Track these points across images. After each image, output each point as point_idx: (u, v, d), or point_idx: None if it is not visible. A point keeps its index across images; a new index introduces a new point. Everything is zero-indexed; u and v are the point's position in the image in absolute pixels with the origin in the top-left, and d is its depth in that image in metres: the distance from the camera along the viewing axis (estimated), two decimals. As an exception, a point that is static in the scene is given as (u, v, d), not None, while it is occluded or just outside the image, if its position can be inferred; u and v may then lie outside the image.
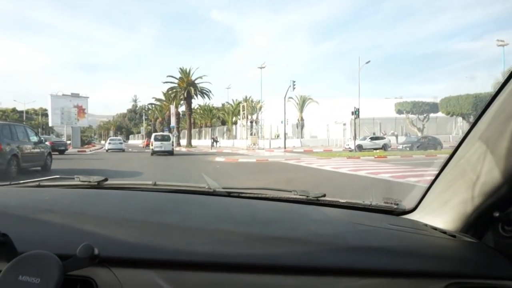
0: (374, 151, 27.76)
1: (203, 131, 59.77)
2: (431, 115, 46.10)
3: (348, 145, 32.54)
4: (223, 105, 62.98)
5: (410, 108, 44.60)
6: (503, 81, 0.79)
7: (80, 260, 0.64)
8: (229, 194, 1.33)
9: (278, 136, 45.97)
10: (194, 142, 54.46)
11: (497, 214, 0.87)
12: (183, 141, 50.46)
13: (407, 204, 1.24)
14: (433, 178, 1.07)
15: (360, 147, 31.78)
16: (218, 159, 21.28)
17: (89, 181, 1.36)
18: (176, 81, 45.87)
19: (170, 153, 25.90)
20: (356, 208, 1.27)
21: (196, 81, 45.55)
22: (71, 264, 0.64)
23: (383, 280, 0.79)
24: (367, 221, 1.08)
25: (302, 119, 47.89)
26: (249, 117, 42.96)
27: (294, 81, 33.34)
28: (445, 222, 1.01)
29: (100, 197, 1.20)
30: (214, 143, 43.85)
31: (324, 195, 1.31)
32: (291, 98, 48.09)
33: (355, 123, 27.61)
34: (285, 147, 35.96)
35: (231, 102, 59.71)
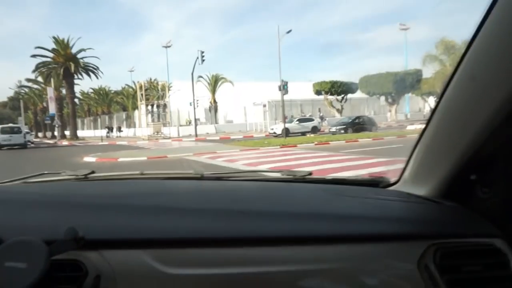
0: (309, 135, 21.91)
1: (99, 119, 48.94)
2: (348, 95, 42.74)
3: (273, 129, 26.49)
4: (123, 88, 52.59)
5: (328, 88, 40.48)
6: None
7: (65, 243, 0.64)
8: (217, 178, 1.33)
9: (190, 123, 38.87)
10: (87, 132, 43.81)
11: (474, 177, 0.90)
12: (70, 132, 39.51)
13: (392, 177, 1.24)
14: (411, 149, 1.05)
15: (287, 132, 25.92)
16: (87, 159, 13.30)
17: (76, 175, 1.30)
18: (51, 55, 34.79)
19: (22, 146, 23.44)
20: (341, 183, 1.27)
21: (82, 58, 35.22)
22: (56, 248, 0.64)
23: (366, 245, 0.81)
24: (352, 193, 1.10)
25: (215, 102, 40.68)
26: (156, 102, 34.90)
27: (202, 52, 25.92)
28: (428, 190, 1.01)
29: (87, 188, 1.17)
30: (109, 133, 34.32)
31: (311, 173, 1.30)
32: (201, 77, 40.65)
33: (283, 102, 21.33)
34: (196, 135, 28.61)
35: (133, 86, 49.63)
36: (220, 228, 0.81)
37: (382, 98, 35.64)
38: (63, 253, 0.66)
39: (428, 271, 0.78)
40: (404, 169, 1.12)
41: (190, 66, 35.85)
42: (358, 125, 24.82)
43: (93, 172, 1.30)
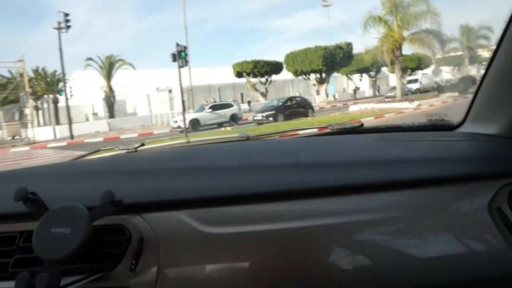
0: (225, 128, 14.50)
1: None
2: (273, 77, 36.41)
3: (176, 121, 18.73)
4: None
5: (251, 69, 33.61)
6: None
7: (104, 206, 0.64)
8: (263, 139, 1.29)
9: (92, 117, 29.49)
10: None
11: None
12: None
13: (453, 119, 1.14)
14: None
15: (195, 125, 18.25)
16: None
17: (128, 148, 1.32)
18: None
19: None
20: (398, 130, 1.18)
21: None
22: (96, 212, 0.64)
23: (429, 190, 0.71)
24: (410, 138, 1.01)
25: (111, 90, 31.20)
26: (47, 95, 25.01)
27: (66, 14, 16.93)
28: (497, 128, 0.93)
29: (134, 158, 1.16)
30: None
31: (362, 125, 1.21)
32: (90, 59, 30.81)
33: (180, 81, 13.35)
34: (71, 137, 19.64)
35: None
36: (262, 183, 0.74)
37: (313, 76, 29.75)
38: (104, 217, 0.65)
39: (502, 214, 0.68)
40: (468, 110, 1.04)
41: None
42: (290, 109, 18.20)
43: (143, 145, 1.32)
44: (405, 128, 1.18)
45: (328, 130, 1.24)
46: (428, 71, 49.29)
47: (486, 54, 44.27)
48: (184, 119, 12.53)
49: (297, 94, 40.14)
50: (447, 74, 53.22)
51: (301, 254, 0.66)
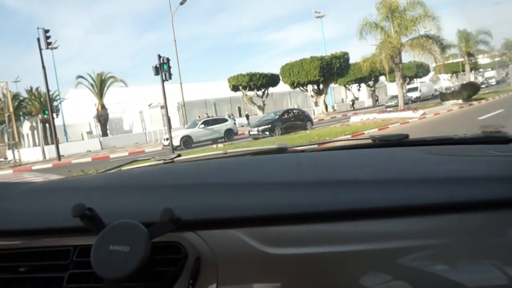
0: (217, 144, 13.41)
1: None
2: (269, 90, 35.57)
3: (167, 139, 17.67)
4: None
5: (246, 82, 32.77)
6: None
7: (163, 224, 0.62)
8: (302, 151, 1.24)
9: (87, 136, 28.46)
10: None
11: None
12: None
13: (509, 127, 1.11)
14: None
15: (187, 142, 17.19)
16: None
17: (165, 159, 1.30)
18: None
19: None
20: (449, 143, 1.07)
21: None
22: (155, 229, 0.63)
23: (492, 213, 0.63)
24: (466, 152, 0.92)
25: (103, 108, 30.26)
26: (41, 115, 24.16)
27: (47, 31, 16.07)
28: None
29: (176, 170, 1.16)
30: None
31: (407, 136, 1.11)
32: (81, 77, 29.99)
33: (164, 91, 12.21)
34: (58, 157, 18.53)
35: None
36: (323, 201, 0.70)
37: (310, 87, 28.79)
38: (163, 235, 0.64)
39: None
40: None
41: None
42: (288, 123, 17.15)
43: (179, 156, 1.30)
44: (456, 140, 1.08)
45: (370, 142, 1.17)
46: (426, 79, 48.67)
47: (486, 59, 43.63)
48: (171, 137, 11.43)
49: (296, 106, 39.21)
50: (445, 81, 52.56)
51: (365, 278, 0.61)
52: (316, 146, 1.25)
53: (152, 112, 23.99)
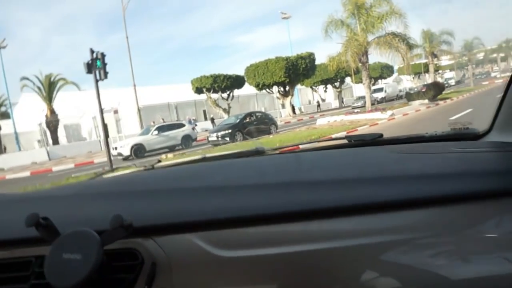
0: (167, 155, 11.64)
1: None
2: (235, 93, 34.05)
3: (116, 148, 15.66)
4: None
5: (210, 84, 31.06)
6: None
7: (114, 231, 0.62)
8: (280, 153, 1.25)
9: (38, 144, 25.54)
10: None
11: None
12: None
13: (479, 127, 1.07)
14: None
15: (139, 150, 15.31)
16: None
17: (145, 166, 1.30)
18: None
19: None
20: (419, 141, 1.11)
21: None
22: (107, 237, 0.63)
23: (459, 207, 0.63)
24: (433, 149, 0.93)
25: (52, 113, 27.43)
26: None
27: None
28: None
29: (149, 177, 1.14)
30: None
31: (381, 135, 1.13)
32: (26, 79, 27.07)
33: (97, 90, 10.00)
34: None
35: None
36: (277, 203, 0.70)
37: (275, 89, 27.47)
38: (115, 241, 0.63)
39: None
40: (495, 117, 0.98)
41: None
42: (250, 127, 15.64)
43: (159, 161, 1.30)
44: (427, 138, 1.12)
45: (345, 142, 1.18)
46: (389, 80, 49.05)
47: (449, 60, 44.49)
48: (108, 148, 9.57)
49: (263, 109, 37.92)
50: (408, 82, 53.34)
51: (319, 278, 0.63)
52: (295, 147, 1.25)
53: (105, 118, 21.68)
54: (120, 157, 15.28)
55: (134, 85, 18.98)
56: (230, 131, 14.81)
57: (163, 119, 23.53)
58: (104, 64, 9.21)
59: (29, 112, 30.91)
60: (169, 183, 0.93)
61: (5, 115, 31.46)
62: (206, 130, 24.24)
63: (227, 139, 14.57)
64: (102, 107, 20.92)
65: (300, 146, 1.33)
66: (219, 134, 14.83)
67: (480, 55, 48.02)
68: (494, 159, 0.80)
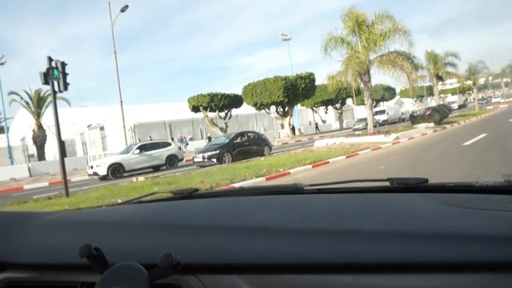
0: (137, 178, 10.10)
1: None
2: (234, 112, 32.86)
3: (92, 167, 14.17)
4: None
5: (207, 103, 29.90)
6: None
7: (163, 268, 0.64)
8: (319, 191, 1.20)
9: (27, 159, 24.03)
10: None
11: None
12: None
13: None
14: None
15: (117, 170, 13.85)
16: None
17: (182, 193, 1.29)
18: None
19: None
20: (469, 191, 1.01)
21: None
22: (155, 273, 0.64)
23: (503, 276, 0.59)
24: (486, 204, 0.84)
25: (40, 128, 26.12)
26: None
27: None
28: None
29: (189, 207, 1.12)
30: None
31: (427, 181, 1.05)
32: (13, 93, 25.95)
33: (54, 101, 8.50)
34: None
35: None
36: (323, 252, 0.68)
37: (273, 109, 26.15)
38: (162, 278, 0.65)
39: None
40: None
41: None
42: (241, 147, 14.18)
43: (197, 190, 1.30)
44: (477, 188, 1.02)
45: (387, 184, 1.12)
46: (391, 103, 47.93)
47: (451, 84, 43.39)
48: (63, 167, 8.08)
49: (262, 129, 36.58)
50: (409, 105, 52.21)
51: None
52: (334, 185, 1.19)
53: (91, 134, 20.35)
54: (96, 177, 13.78)
55: (121, 101, 17.72)
56: (217, 152, 13.34)
57: (150, 137, 22.18)
58: (65, 74, 7.85)
59: (24, 127, 29.84)
60: (213, 219, 0.92)
61: (1, 130, 30.43)
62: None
63: (214, 160, 13.09)
64: (89, 123, 19.52)
65: (340, 185, 1.17)
66: (206, 155, 13.37)
67: (484, 79, 46.94)
68: None
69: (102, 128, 19.38)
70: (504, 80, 56.95)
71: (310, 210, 0.92)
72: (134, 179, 9.51)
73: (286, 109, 30.00)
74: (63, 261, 0.77)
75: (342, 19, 16.01)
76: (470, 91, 53.90)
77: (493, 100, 51.78)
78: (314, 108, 41.69)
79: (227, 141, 14.19)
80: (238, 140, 14.44)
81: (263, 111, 31.07)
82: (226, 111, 31.66)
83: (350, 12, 15.73)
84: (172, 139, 29.92)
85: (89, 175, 14.17)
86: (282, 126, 32.97)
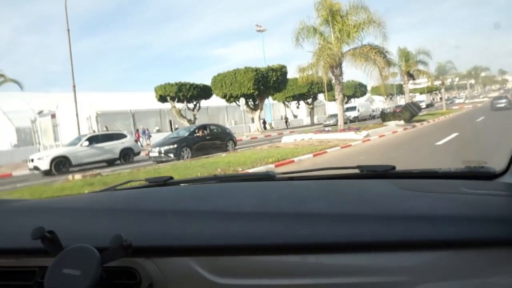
0: (73, 175, 8.68)
1: None
2: (204, 104, 31.45)
3: (33, 160, 12.48)
4: None
5: (175, 93, 28.32)
6: None
7: (115, 250, 0.63)
8: (290, 179, 1.21)
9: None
10: None
11: None
12: None
13: (495, 166, 1.02)
14: None
15: (62, 164, 12.33)
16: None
17: (157, 181, 1.28)
18: None
19: None
20: (431, 176, 1.06)
21: None
22: (107, 255, 0.64)
23: (465, 253, 0.61)
24: (443, 188, 0.89)
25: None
26: None
27: None
28: None
29: (159, 194, 1.12)
30: None
31: (394, 168, 1.09)
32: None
33: None
34: None
35: None
36: (275, 234, 0.70)
37: (243, 101, 24.91)
38: (114, 260, 0.65)
39: None
40: None
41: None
42: (202, 142, 12.95)
43: (171, 178, 1.27)
44: (439, 174, 1.06)
45: (357, 172, 1.13)
46: (362, 100, 48.04)
47: (423, 82, 43.96)
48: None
49: (232, 122, 35.43)
50: (380, 103, 52.63)
51: None
52: (305, 173, 1.19)
53: (42, 122, 18.35)
54: (37, 172, 12.14)
55: (74, 86, 15.91)
56: (175, 146, 12.05)
57: (106, 128, 20.43)
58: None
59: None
60: (175, 204, 0.92)
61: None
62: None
63: (171, 155, 11.81)
64: (41, 110, 17.56)
65: (312, 174, 1.16)
66: (162, 149, 12.05)
67: (452, 80, 47.94)
68: (505, 204, 0.73)
69: (53, 116, 17.40)
70: (470, 81, 58.67)
71: (271, 195, 0.93)
72: (70, 176, 8.12)
73: (257, 102, 28.91)
74: (21, 246, 0.77)
75: (315, 7, 15.03)
76: (437, 91, 55.10)
77: (456, 101, 53.04)
78: (286, 103, 40.87)
79: (186, 134, 12.90)
80: (200, 133, 13.19)
81: (234, 103, 29.83)
82: (195, 102, 30.19)
83: (324, 0, 14.76)
84: (137, 130, 28.20)
85: (30, 169, 12.48)
86: (253, 120, 31.92)
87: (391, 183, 0.96)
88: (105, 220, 0.85)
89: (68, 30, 15.92)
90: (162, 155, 11.93)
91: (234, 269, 0.67)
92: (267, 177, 1.22)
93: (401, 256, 0.62)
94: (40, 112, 18.92)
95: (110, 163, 13.67)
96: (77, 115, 15.87)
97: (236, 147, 14.16)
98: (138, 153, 14.36)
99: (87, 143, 13.00)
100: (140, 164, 12.57)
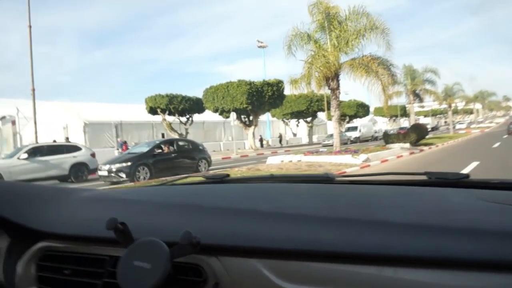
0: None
1: None
2: (197, 118, 29.31)
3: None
4: None
5: (165, 105, 26.24)
6: None
7: (184, 247, 0.64)
8: (350, 182, 1.18)
9: None
10: None
11: None
12: None
13: None
14: None
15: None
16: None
17: (214, 178, 1.27)
18: None
19: None
20: (510, 187, 0.92)
21: None
22: (176, 251, 0.65)
23: None
24: None
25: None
26: None
27: None
28: None
29: (218, 190, 1.12)
30: None
31: (468, 176, 0.97)
32: None
33: None
34: None
35: None
36: (349, 241, 0.65)
37: (233, 115, 22.67)
38: (182, 256, 0.65)
39: None
40: None
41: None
42: (166, 161, 10.58)
43: (228, 175, 1.27)
44: None
45: (425, 178, 1.03)
46: (365, 120, 45.80)
47: (428, 105, 41.67)
48: None
49: (230, 139, 33.19)
50: (383, 124, 50.30)
51: None
52: (366, 177, 1.12)
53: (4, 129, 16.18)
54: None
55: (33, 89, 13.77)
56: (129, 164, 9.71)
57: (67, 138, 18.15)
58: None
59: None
60: (239, 202, 0.91)
61: None
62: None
63: (123, 175, 9.47)
64: (3, 115, 15.26)
65: (374, 177, 1.09)
66: (113, 167, 9.71)
67: (456, 105, 45.63)
68: None
69: (13, 123, 15.28)
70: (477, 105, 56.38)
71: (338, 199, 0.89)
72: None
73: (251, 117, 26.65)
74: (93, 234, 0.79)
75: (309, 11, 12.87)
76: (442, 115, 52.69)
77: (457, 126, 50.30)
78: (285, 120, 38.63)
79: (146, 150, 10.55)
80: (165, 149, 10.85)
81: (224, 114, 27.62)
82: (188, 116, 28.06)
83: (320, 2, 12.61)
84: (125, 142, 26.01)
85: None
86: (248, 135, 29.62)
87: (469, 193, 0.87)
88: (170, 214, 0.84)
89: (30, 27, 13.87)
90: (113, 174, 9.58)
91: (304, 275, 0.63)
92: (326, 179, 1.14)
93: (492, 277, 0.54)
94: (2, 118, 16.75)
95: (62, 180, 11.34)
96: (35, 122, 13.68)
97: (210, 168, 11.77)
98: (94, 170, 11.98)
99: (25, 155, 10.67)
100: (94, 183, 10.24)
